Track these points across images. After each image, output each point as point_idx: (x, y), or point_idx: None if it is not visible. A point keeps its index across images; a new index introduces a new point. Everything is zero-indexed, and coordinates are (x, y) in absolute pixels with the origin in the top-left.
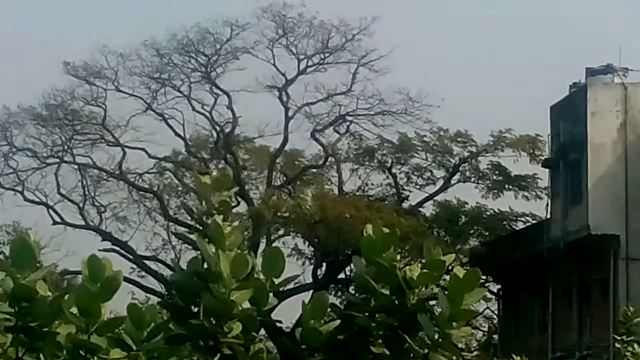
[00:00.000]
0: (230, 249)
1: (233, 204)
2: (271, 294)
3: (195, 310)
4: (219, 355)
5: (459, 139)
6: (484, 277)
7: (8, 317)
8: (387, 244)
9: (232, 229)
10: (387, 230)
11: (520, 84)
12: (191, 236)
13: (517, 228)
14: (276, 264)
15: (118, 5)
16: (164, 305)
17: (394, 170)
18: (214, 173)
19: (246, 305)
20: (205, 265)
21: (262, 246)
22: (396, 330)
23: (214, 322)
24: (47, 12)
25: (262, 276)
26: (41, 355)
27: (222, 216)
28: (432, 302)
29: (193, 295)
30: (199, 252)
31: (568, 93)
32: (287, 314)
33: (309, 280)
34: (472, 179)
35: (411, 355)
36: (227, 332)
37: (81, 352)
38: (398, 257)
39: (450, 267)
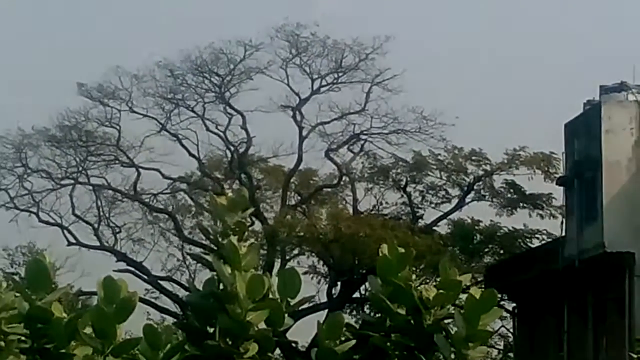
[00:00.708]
0: (246, 270)
1: (248, 224)
2: (287, 315)
3: (211, 330)
4: None
5: (473, 158)
6: (498, 295)
7: (24, 338)
8: (403, 264)
9: (248, 250)
10: (403, 250)
11: (535, 102)
12: (207, 257)
13: (531, 246)
14: (292, 284)
15: (131, 26)
16: (180, 326)
17: (408, 189)
18: (230, 194)
19: (262, 325)
20: (221, 286)
21: (276, 265)
22: (412, 351)
23: (230, 342)
24: (60, 34)
25: (277, 296)
26: None
27: (237, 237)
28: (447, 321)
29: (209, 316)
30: (214, 272)
31: (582, 111)
32: (302, 333)
33: (324, 299)
34: (487, 197)
35: None
36: (243, 353)
37: None
38: (413, 276)
39: (466, 286)
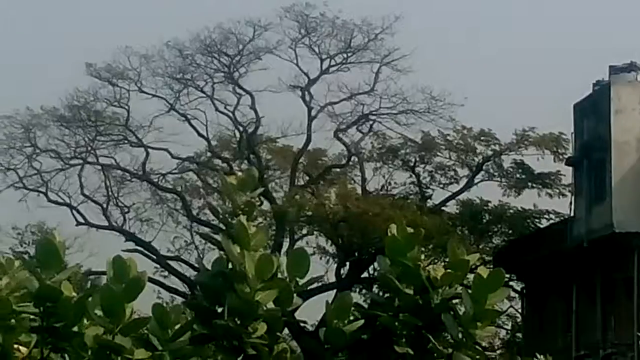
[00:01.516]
0: (255, 250)
1: (257, 204)
2: (295, 294)
3: (220, 310)
4: (242, 355)
5: (482, 138)
6: (507, 275)
7: (33, 317)
8: (412, 244)
9: (257, 230)
10: (412, 230)
11: (544, 82)
12: (216, 236)
13: (540, 226)
14: (301, 264)
15: (140, 6)
16: (189, 305)
17: (417, 169)
18: (240, 174)
19: (270, 305)
20: (230, 266)
21: (285, 245)
22: (420, 330)
23: (238, 322)
24: (69, 14)
25: (286, 276)
26: (66, 356)
27: (246, 216)
28: (455, 301)
29: (218, 295)
30: (222, 252)
31: (591, 91)
32: (310, 313)
33: (332, 279)
34: (496, 178)
35: (435, 355)
36: (252, 333)
37: (106, 352)
38: (422, 256)
39: (474, 266)
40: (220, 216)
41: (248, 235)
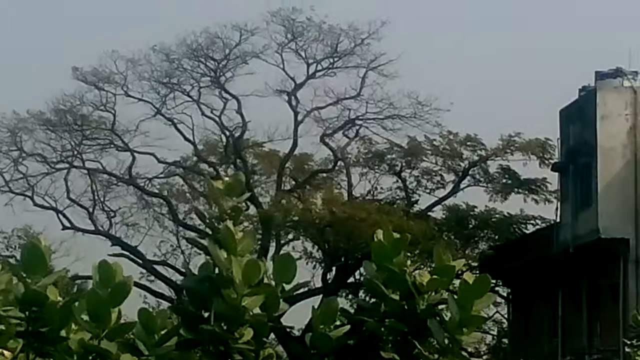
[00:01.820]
0: (241, 255)
1: (243, 209)
2: (282, 300)
3: (206, 315)
4: None
5: (468, 143)
6: (493, 280)
7: (19, 322)
8: (398, 249)
9: (244, 235)
10: (398, 235)
11: (530, 87)
12: (202, 241)
13: (526, 232)
14: (288, 270)
15: (126, 10)
16: (175, 310)
17: (403, 174)
18: (226, 178)
19: (257, 310)
20: (217, 271)
21: (271, 250)
22: (406, 336)
23: (225, 327)
24: (55, 18)
25: (273, 281)
26: None
27: (233, 221)
28: (441, 307)
29: (204, 300)
30: (209, 257)
31: (577, 97)
32: (296, 318)
33: (319, 284)
34: (482, 183)
35: None
36: (238, 338)
37: (92, 357)
38: (408, 262)
39: (460, 272)
40: (207, 221)
41: (235, 240)
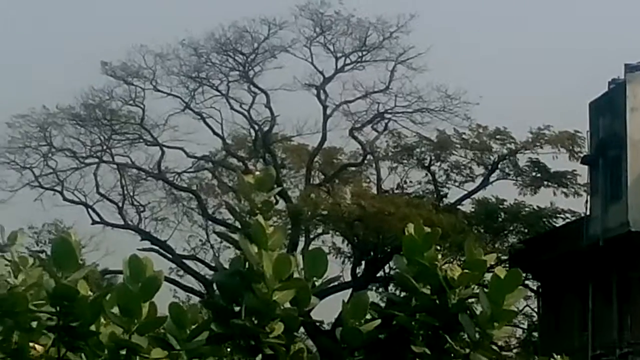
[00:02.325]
0: (272, 249)
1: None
2: (312, 294)
3: (237, 309)
4: (260, 355)
5: (497, 136)
6: (523, 274)
7: (50, 316)
8: (429, 243)
9: (275, 229)
10: (428, 229)
11: (560, 80)
12: (233, 235)
13: (556, 225)
14: (319, 264)
15: (155, 5)
16: (206, 304)
17: (432, 168)
18: (257, 173)
19: (287, 305)
20: (248, 265)
21: (300, 244)
22: (437, 330)
23: (256, 322)
24: (85, 13)
25: (303, 276)
26: (83, 355)
27: (264, 216)
28: (471, 301)
29: (235, 294)
30: (238, 251)
31: (607, 89)
32: (325, 312)
33: (348, 278)
34: (511, 176)
35: (452, 355)
36: (269, 332)
37: (122, 351)
38: (439, 256)
39: (490, 266)
40: (238, 215)
41: (266, 235)
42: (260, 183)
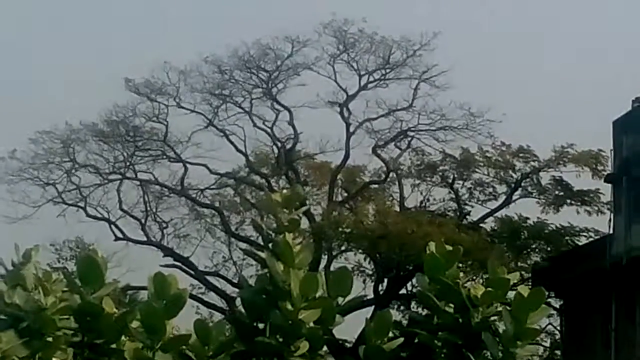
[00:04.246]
0: (299, 268)
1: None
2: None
3: (262, 327)
4: None
5: (520, 154)
6: (546, 292)
7: (73, 332)
8: (451, 262)
9: (302, 248)
10: (450, 248)
11: (583, 99)
12: (259, 253)
13: (579, 243)
14: (344, 284)
15: (178, 22)
16: (231, 321)
17: (455, 186)
18: (284, 191)
19: (311, 323)
20: (274, 283)
21: (323, 262)
22: (460, 349)
23: (281, 340)
24: (108, 30)
25: (327, 294)
26: None
27: (291, 234)
28: (493, 318)
29: (260, 312)
30: (261, 269)
31: (631, 108)
32: (346, 328)
33: (370, 295)
34: (534, 194)
35: None
36: (294, 351)
37: None
38: (461, 274)
39: (513, 284)
40: (265, 233)
41: (292, 253)
42: (287, 201)
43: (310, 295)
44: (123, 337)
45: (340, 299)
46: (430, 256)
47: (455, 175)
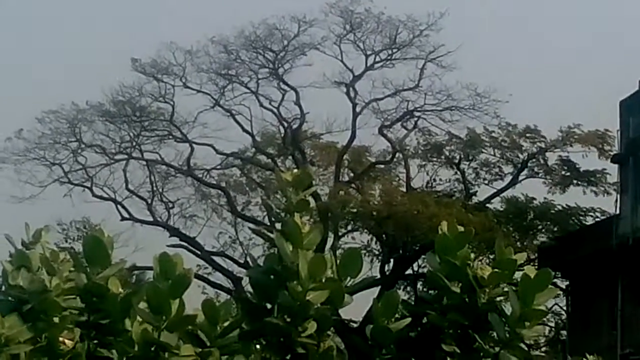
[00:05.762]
0: (308, 248)
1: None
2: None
3: (270, 307)
4: (290, 353)
5: (527, 135)
6: (552, 273)
7: (79, 312)
8: (461, 243)
9: (311, 228)
10: (462, 229)
11: (590, 79)
12: (269, 233)
13: (585, 224)
14: (353, 265)
15: (185, 2)
16: (239, 300)
17: (462, 166)
18: (295, 171)
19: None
20: (282, 263)
21: (329, 242)
22: (467, 329)
23: (289, 320)
24: (115, 10)
25: (336, 275)
26: (114, 351)
27: (300, 215)
28: (500, 298)
29: (268, 292)
30: (268, 249)
31: (638, 88)
32: (352, 308)
33: (377, 275)
34: (540, 175)
35: (481, 354)
36: (302, 332)
37: (152, 348)
38: (471, 255)
39: (520, 264)
40: (274, 213)
41: (301, 234)
42: (298, 181)
43: (318, 276)
44: (129, 318)
45: (349, 280)
46: (442, 237)
47: (462, 156)
